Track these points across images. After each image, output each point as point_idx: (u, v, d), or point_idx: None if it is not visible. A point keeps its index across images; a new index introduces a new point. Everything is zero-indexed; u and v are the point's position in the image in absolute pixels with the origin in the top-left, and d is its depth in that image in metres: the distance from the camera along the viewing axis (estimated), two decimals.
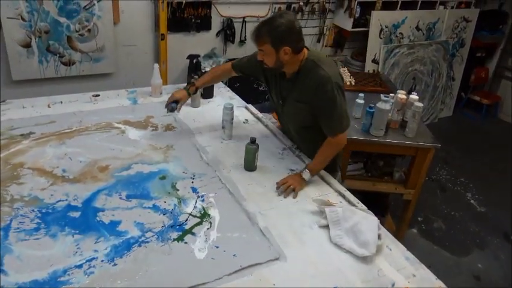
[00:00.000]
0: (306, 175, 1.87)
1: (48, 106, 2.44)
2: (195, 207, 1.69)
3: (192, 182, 1.85)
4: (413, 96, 2.55)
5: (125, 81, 3.60)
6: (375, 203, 2.11)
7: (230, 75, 2.37)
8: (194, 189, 1.80)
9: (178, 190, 1.78)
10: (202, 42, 3.85)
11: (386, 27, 4.42)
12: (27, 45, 3.13)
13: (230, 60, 3.61)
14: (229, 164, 2.01)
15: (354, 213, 1.63)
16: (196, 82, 2.28)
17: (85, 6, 3.18)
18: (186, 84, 2.36)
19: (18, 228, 1.49)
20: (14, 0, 2.94)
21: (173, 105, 2.16)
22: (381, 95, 2.56)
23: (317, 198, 1.78)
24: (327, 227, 1.63)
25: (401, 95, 2.52)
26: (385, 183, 2.70)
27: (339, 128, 1.90)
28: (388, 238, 1.62)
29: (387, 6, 4.40)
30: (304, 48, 1.89)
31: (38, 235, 1.47)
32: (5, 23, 3.00)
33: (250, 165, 1.95)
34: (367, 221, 1.61)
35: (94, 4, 3.20)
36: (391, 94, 2.57)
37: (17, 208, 1.59)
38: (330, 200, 1.77)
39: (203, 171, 1.93)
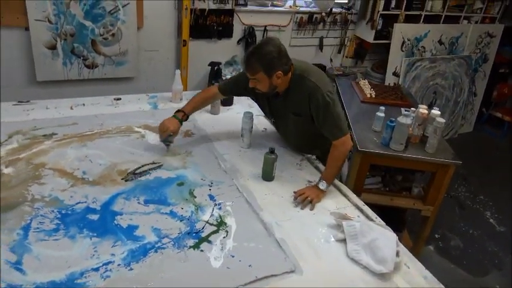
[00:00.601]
0: (323, 185, 1.88)
1: (71, 108, 2.48)
2: (212, 215, 1.69)
3: (210, 189, 1.85)
4: (435, 111, 2.51)
5: (145, 86, 3.64)
6: (391, 217, 2.08)
7: (218, 98, 2.41)
8: (211, 197, 1.80)
9: (195, 197, 1.79)
10: (223, 50, 3.88)
11: (408, 40, 4.39)
12: (53, 47, 3.19)
13: None
14: (246, 172, 2.01)
15: (371, 229, 1.61)
16: (185, 109, 2.16)
17: (110, 10, 3.24)
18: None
19: (38, 228, 1.51)
20: (42, 0, 3.00)
21: (170, 138, 2.07)
22: (402, 108, 2.54)
23: (334, 211, 1.77)
24: (343, 241, 1.62)
25: (422, 109, 2.49)
26: (403, 198, 2.66)
27: (339, 132, 1.93)
28: (406, 255, 1.59)
29: (410, 19, 4.37)
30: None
31: (57, 236, 1.49)
32: (32, 25, 3.07)
33: (268, 175, 1.95)
34: (385, 237, 1.59)
35: (119, 9, 3.26)
36: (412, 108, 2.54)
37: (37, 208, 1.61)
38: (347, 213, 1.75)
39: (221, 179, 1.93)
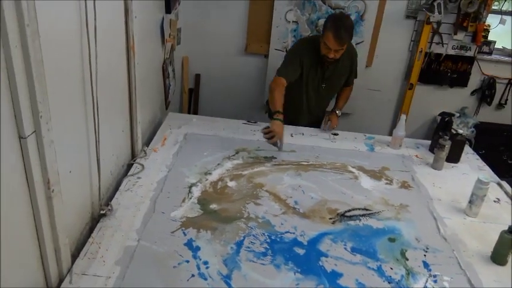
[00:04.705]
0: (339, 112, 2.72)
1: (291, 135, 2.57)
2: (425, 286, 1.47)
3: (425, 255, 1.63)
4: None
5: (360, 124, 3.58)
6: None
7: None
8: (426, 265, 1.57)
9: (407, 259, 1.59)
10: (453, 99, 3.53)
11: None
12: None
13: (478, 124, 3.22)
14: (471, 247, 1.71)
15: None
16: (280, 109, 2.26)
17: None
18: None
19: (249, 247, 1.56)
20: (285, 32, 3.26)
21: (279, 144, 2.29)
22: None
23: None
24: None
25: None
26: None
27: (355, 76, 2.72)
28: None
29: None
30: None
31: (264, 260, 1.51)
32: (271, 53, 3.37)
33: (501, 257, 1.61)
34: None
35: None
36: None
37: (251, 227, 1.67)
38: None
39: (439, 247, 1.68)
